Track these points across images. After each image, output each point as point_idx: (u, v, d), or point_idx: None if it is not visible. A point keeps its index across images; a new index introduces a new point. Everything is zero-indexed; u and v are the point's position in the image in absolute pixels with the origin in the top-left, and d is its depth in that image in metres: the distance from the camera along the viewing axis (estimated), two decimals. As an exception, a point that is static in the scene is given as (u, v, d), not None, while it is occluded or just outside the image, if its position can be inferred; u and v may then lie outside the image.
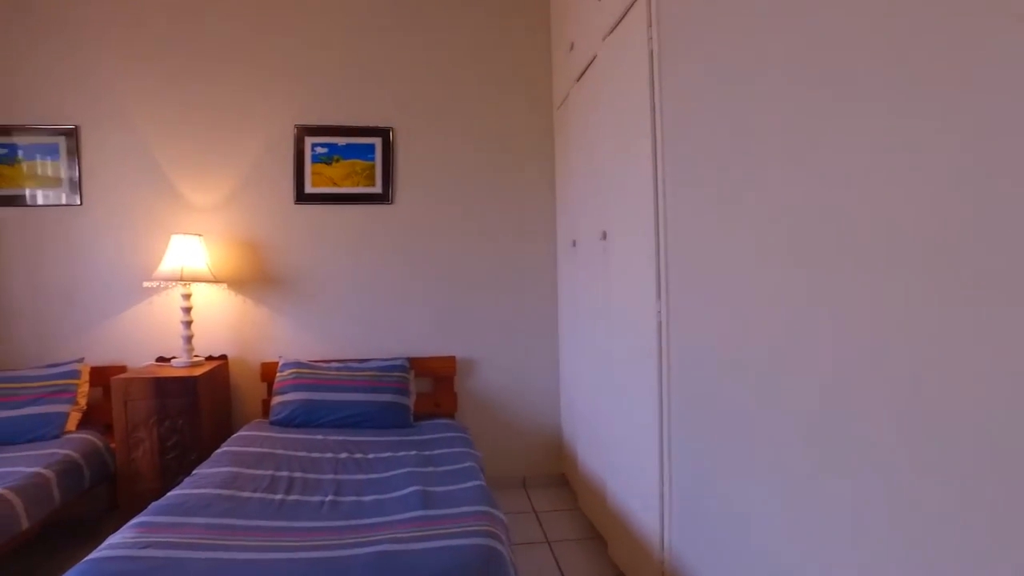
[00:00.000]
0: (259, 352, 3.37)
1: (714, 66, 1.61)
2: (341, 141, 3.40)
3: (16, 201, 3.22)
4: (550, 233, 3.56)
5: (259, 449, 2.56)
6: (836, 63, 1.14)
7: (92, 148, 3.25)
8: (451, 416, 3.40)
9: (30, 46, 3.20)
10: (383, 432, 2.88)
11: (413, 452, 2.57)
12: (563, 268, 3.42)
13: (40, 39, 3.21)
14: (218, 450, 2.55)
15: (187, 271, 3.02)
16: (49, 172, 3.24)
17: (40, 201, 3.23)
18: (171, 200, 3.31)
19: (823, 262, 1.19)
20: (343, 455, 2.54)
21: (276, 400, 3.03)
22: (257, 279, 3.37)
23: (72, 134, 3.21)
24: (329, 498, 2.07)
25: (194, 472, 2.29)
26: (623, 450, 2.38)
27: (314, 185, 3.40)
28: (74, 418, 2.93)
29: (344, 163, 3.42)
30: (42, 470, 2.45)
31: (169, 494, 2.06)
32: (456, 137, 3.48)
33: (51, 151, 3.23)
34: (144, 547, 1.64)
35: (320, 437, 2.76)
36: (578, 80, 2.94)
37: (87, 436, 2.85)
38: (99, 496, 3.13)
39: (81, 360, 3.12)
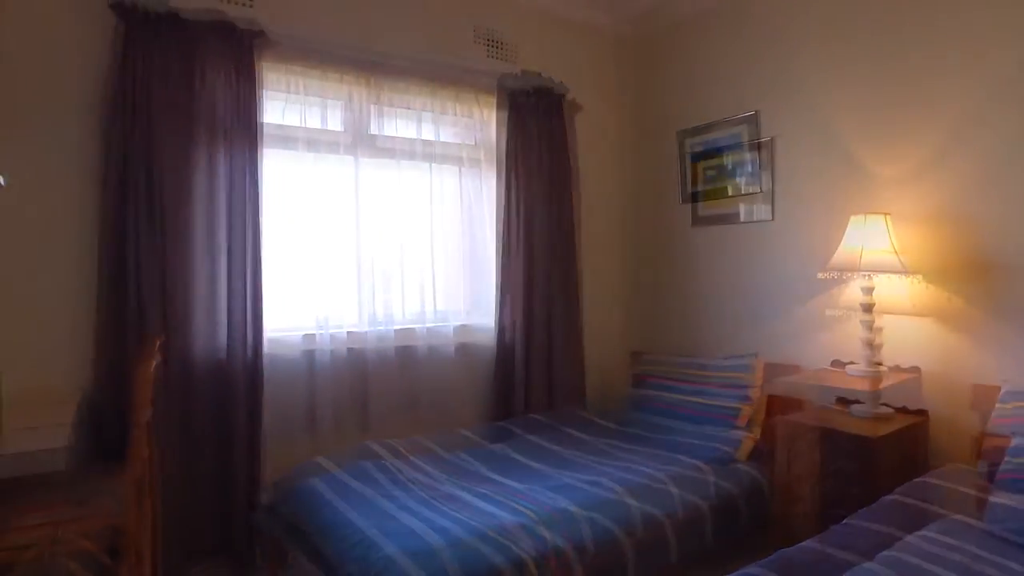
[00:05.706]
0: (968, 368, 2.46)
1: None
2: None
3: (717, 194, 3.37)
4: None
5: (948, 541, 1.74)
6: None
7: (770, 130, 3.07)
8: None
9: (717, 44, 3.28)
10: None
11: None
12: None
13: (728, 33, 3.25)
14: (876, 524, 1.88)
15: (867, 259, 2.46)
16: (731, 162, 3.26)
17: (729, 192, 3.29)
18: (851, 174, 2.79)
19: None
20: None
21: (997, 443, 2.10)
22: (965, 268, 2.47)
23: (752, 120, 3.12)
24: None
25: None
26: None
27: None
28: (745, 413, 2.81)
29: None
30: (700, 502, 2.29)
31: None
32: None
33: (735, 141, 3.23)
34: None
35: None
36: None
37: (752, 471, 2.59)
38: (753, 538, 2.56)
39: (755, 355, 2.98)
